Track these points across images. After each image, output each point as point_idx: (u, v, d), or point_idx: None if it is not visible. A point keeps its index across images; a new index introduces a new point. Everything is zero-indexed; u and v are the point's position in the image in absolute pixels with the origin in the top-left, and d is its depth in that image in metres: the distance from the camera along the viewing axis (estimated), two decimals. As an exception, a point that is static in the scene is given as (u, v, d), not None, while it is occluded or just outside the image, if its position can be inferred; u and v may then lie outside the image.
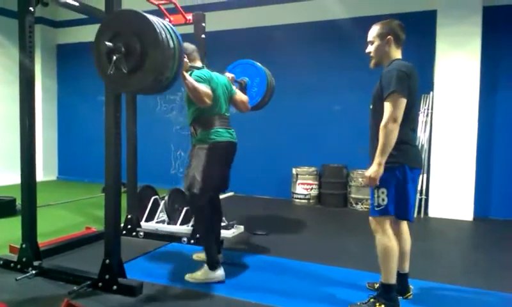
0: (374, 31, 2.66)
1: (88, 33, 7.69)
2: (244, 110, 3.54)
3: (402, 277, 2.83)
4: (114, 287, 2.82)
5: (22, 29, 3.11)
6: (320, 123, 6.57)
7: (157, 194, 4.86)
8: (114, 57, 2.36)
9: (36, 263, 3.13)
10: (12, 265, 3.19)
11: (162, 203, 4.68)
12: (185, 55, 2.89)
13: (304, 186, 6.32)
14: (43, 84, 8.34)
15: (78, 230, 4.32)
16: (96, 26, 2.53)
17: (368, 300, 2.68)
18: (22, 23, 3.11)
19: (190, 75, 2.94)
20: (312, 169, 6.37)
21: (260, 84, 3.93)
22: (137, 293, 2.80)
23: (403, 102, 2.45)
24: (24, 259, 3.15)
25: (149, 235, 4.27)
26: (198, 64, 3.31)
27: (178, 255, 3.82)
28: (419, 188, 5.67)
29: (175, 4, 4.10)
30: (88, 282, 2.85)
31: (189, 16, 4.25)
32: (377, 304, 2.62)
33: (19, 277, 2.98)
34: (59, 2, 3.45)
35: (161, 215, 4.69)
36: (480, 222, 5.37)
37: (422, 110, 5.76)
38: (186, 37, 2.56)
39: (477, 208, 5.48)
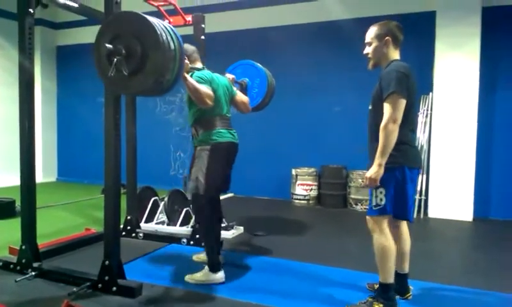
0: (371, 32, 2.67)
1: (87, 35, 7.68)
2: (245, 111, 3.53)
3: (401, 277, 2.83)
4: (114, 288, 2.81)
5: (22, 30, 3.12)
6: (320, 124, 6.58)
7: (156, 195, 4.86)
8: (115, 60, 2.35)
9: (35, 265, 3.13)
10: (12, 266, 3.19)
11: (161, 204, 4.68)
12: (186, 57, 2.89)
13: (303, 187, 6.32)
14: (43, 86, 8.34)
15: (77, 231, 4.32)
16: (96, 28, 2.53)
17: (367, 300, 2.69)
18: (21, 24, 3.11)
19: (191, 76, 2.94)
20: (312, 169, 6.37)
21: (261, 85, 3.93)
22: (136, 295, 2.80)
23: (403, 102, 2.46)
24: (23, 260, 3.15)
25: (149, 236, 4.27)
26: (199, 65, 3.30)
27: (177, 256, 3.82)
28: (419, 188, 5.68)
29: (174, 5, 4.10)
30: (88, 283, 2.85)
31: (189, 18, 4.25)
32: (375, 303, 2.63)
33: (19, 279, 2.98)
34: (58, 4, 3.45)
35: (161, 216, 4.69)
36: (480, 223, 5.38)
37: (421, 110, 5.76)
38: (185, 38, 2.56)
39: (477, 209, 5.48)
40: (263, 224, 5.07)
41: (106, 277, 2.84)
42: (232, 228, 4.54)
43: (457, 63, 5.47)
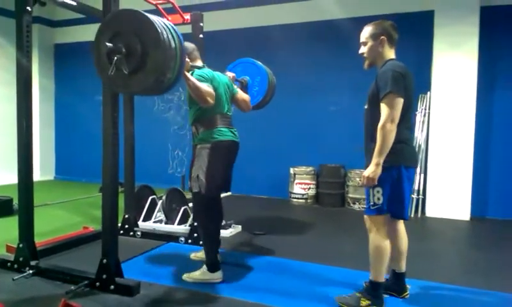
0: (366, 31, 2.67)
1: (85, 33, 7.71)
2: (246, 109, 3.51)
3: (399, 276, 2.84)
4: (112, 287, 2.81)
5: (20, 28, 3.10)
6: (318, 123, 6.58)
7: (154, 194, 4.86)
8: (115, 58, 2.32)
9: (33, 263, 3.12)
10: (9, 264, 3.18)
11: (159, 203, 4.68)
12: (186, 55, 2.87)
13: (301, 186, 6.33)
14: (41, 84, 8.32)
15: (75, 230, 4.31)
16: (94, 26, 2.52)
17: (354, 294, 2.71)
18: (19, 22, 3.10)
19: (191, 74, 2.91)
20: (310, 168, 6.37)
21: (261, 83, 3.91)
22: (134, 293, 2.79)
23: (400, 102, 2.46)
24: (21, 259, 3.14)
25: (146, 234, 4.27)
26: (199, 63, 3.27)
27: (175, 255, 3.82)
28: (416, 188, 5.69)
29: (172, 3, 4.09)
30: (86, 282, 2.85)
31: (187, 16, 4.25)
32: (362, 299, 2.64)
33: (16, 277, 2.98)
34: (56, 2, 3.44)
35: (159, 214, 4.69)
36: (478, 222, 5.39)
37: (419, 110, 5.77)
38: (184, 37, 2.55)
39: (474, 208, 5.50)
40: (261, 223, 5.08)
41: (104, 276, 2.84)
42: (230, 226, 4.55)
43: (456, 62, 5.48)
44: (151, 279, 3.10)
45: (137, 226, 4.39)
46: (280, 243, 4.24)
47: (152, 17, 2.34)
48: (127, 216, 4.35)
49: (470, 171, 5.44)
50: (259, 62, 3.95)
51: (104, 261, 2.85)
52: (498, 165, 5.66)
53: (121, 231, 4.22)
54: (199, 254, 3.60)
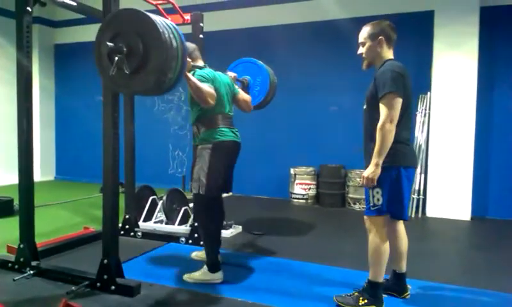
0: (364, 32, 2.66)
1: (85, 33, 7.71)
2: (247, 110, 3.49)
3: (399, 276, 2.84)
4: (112, 287, 2.81)
5: (20, 28, 3.10)
6: (319, 123, 6.58)
7: (155, 194, 4.86)
8: (116, 58, 2.30)
9: (34, 263, 3.13)
10: (10, 265, 3.18)
11: (160, 203, 4.68)
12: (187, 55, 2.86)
13: (302, 186, 6.33)
14: (41, 84, 8.32)
15: (76, 230, 4.31)
16: (94, 26, 2.51)
17: (353, 294, 2.72)
18: (19, 23, 3.10)
19: (193, 74, 2.91)
20: (310, 169, 6.37)
21: (263, 83, 3.89)
22: (135, 293, 2.79)
23: (399, 102, 2.46)
24: (21, 259, 3.14)
25: (147, 235, 4.27)
26: (200, 63, 3.26)
27: (176, 255, 3.82)
28: (417, 188, 5.69)
29: (172, 4, 4.09)
30: (86, 282, 2.85)
31: (187, 16, 4.25)
32: (361, 298, 2.65)
33: (17, 278, 2.98)
34: (56, 2, 3.44)
35: (159, 215, 4.69)
36: (478, 222, 5.39)
37: (419, 110, 5.77)
38: (184, 37, 2.54)
39: (475, 208, 5.50)
40: (261, 223, 5.08)
41: (105, 276, 2.84)
42: (231, 227, 4.55)
43: (456, 63, 5.48)
44: (152, 279, 3.10)
45: (137, 226, 4.39)
46: (280, 243, 4.24)
47: (154, 16, 2.32)
48: (127, 216, 4.35)
49: (471, 171, 5.44)
50: (260, 62, 3.95)
51: (105, 261, 2.85)
52: (499, 166, 5.65)
53: (122, 232, 4.22)
54: (200, 254, 3.60)
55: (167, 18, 4.08)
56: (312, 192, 6.35)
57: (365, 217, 2.69)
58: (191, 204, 3.95)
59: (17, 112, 3.15)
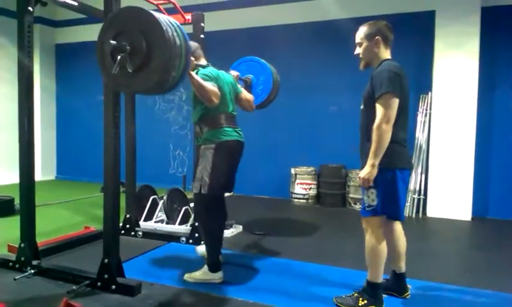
0: (361, 32, 2.66)
1: (86, 33, 7.72)
2: (249, 109, 3.48)
3: (399, 276, 2.84)
4: (113, 287, 2.82)
5: (21, 28, 3.11)
6: (319, 123, 6.58)
7: (155, 194, 4.86)
8: (119, 57, 2.28)
9: (34, 263, 3.13)
10: (11, 264, 3.19)
11: (160, 203, 4.68)
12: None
13: (302, 186, 6.33)
14: (42, 84, 8.33)
15: (77, 230, 4.31)
16: (95, 26, 2.51)
17: (353, 295, 2.72)
18: (21, 22, 3.11)
19: (196, 73, 2.89)
20: (311, 169, 6.37)
21: (266, 82, 3.88)
22: (135, 293, 2.80)
23: (396, 102, 2.45)
24: (22, 258, 3.15)
25: (148, 234, 4.28)
26: (203, 62, 3.25)
27: (176, 255, 3.82)
28: (417, 188, 5.69)
29: (173, 4, 4.10)
30: (87, 281, 2.86)
31: (188, 16, 4.25)
32: (361, 299, 2.65)
33: (18, 277, 2.99)
34: (57, 2, 3.45)
35: (160, 214, 4.69)
36: (479, 222, 5.39)
37: (420, 110, 5.77)
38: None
39: (475, 208, 5.49)
40: (262, 223, 5.08)
41: (105, 276, 2.84)
42: (231, 226, 4.55)
43: (457, 63, 5.48)
44: (152, 279, 3.10)
45: (138, 226, 4.40)
46: (281, 243, 4.24)
47: (157, 14, 2.30)
48: (128, 216, 4.35)
49: (471, 171, 5.43)
50: (263, 61, 3.93)
51: (106, 261, 2.86)
52: (499, 166, 5.65)
53: (123, 231, 4.23)
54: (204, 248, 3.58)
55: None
56: (313, 192, 6.35)
57: (361, 217, 2.69)
58: (192, 204, 3.96)
59: (18, 111, 3.16)
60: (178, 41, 2.30)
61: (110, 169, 2.88)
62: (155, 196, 4.81)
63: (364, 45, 2.64)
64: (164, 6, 4.15)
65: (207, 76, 2.95)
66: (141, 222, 4.51)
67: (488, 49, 5.45)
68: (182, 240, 4.10)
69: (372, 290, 2.65)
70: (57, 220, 4.97)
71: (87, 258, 3.50)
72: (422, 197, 5.70)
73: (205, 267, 3.11)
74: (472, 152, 5.43)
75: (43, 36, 8.33)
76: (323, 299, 2.83)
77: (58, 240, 3.84)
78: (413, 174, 5.71)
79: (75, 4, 3.52)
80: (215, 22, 6.00)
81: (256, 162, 6.61)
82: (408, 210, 5.65)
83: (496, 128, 5.65)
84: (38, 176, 6.77)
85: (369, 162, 2.47)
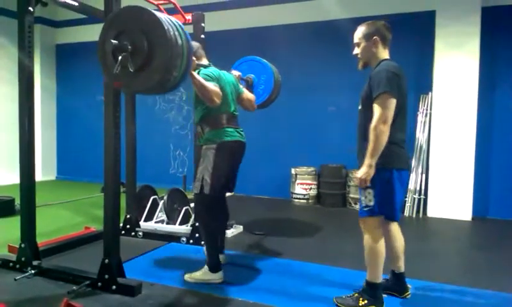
0: (359, 32, 2.66)
1: (87, 33, 7.72)
2: (250, 109, 3.47)
3: (398, 276, 2.84)
4: (114, 287, 2.82)
5: (22, 28, 3.11)
6: (319, 123, 6.58)
7: (156, 194, 4.86)
8: (120, 56, 2.28)
9: (35, 263, 3.13)
10: (11, 264, 3.19)
11: (161, 203, 4.68)
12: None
13: (303, 186, 6.33)
14: (42, 84, 8.33)
15: (77, 230, 4.32)
16: (95, 26, 2.52)
17: (353, 295, 2.72)
18: (21, 23, 3.11)
19: (198, 73, 2.88)
20: (311, 169, 6.37)
21: (267, 82, 3.88)
22: (136, 293, 2.80)
23: (393, 102, 2.45)
24: (23, 259, 3.15)
25: (148, 234, 4.28)
26: (204, 61, 3.24)
27: (177, 255, 3.82)
28: (418, 188, 5.69)
29: (174, 4, 4.10)
30: (87, 282, 2.86)
31: (189, 17, 4.25)
32: (361, 299, 2.65)
33: (18, 277, 2.99)
34: (58, 2, 3.45)
35: (160, 215, 4.69)
36: (479, 222, 5.38)
37: (420, 110, 5.77)
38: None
39: (476, 208, 5.49)
40: (262, 223, 5.08)
41: (106, 276, 2.85)
42: (231, 226, 4.55)
43: (457, 63, 5.48)
44: (153, 279, 3.10)
45: (138, 226, 4.40)
46: (281, 243, 4.24)
47: (159, 14, 2.30)
48: (128, 216, 4.36)
49: (472, 171, 5.43)
50: (265, 60, 3.93)
51: (106, 261, 2.86)
52: (500, 166, 5.65)
53: (123, 231, 4.23)
54: None
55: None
56: (313, 192, 6.35)
57: (359, 218, 2.69)
58: (192, 204, 3.96)
59: (19, 111, 3.16)
60: (179, 41, 2.30)
61: (110, 169, 2.89)
62: (156, 196, 4.81)
63: (362, 45, 2.64)
64: (165, 6, 4.15)
65: (208, 76, 2.94)
66: (142, 223, 4.51)
67: (488, 49, 5.45)
68: (183, 241, 4.10)
69: (371, 290, 2.65)
70: (57, 221, 4.97)
71: (87, 258, 3.50)
72: (422, 197, 5.70)
73: (205, 267, 3.11)
74: (472, 152, 5.43)
75: (43, 36, 8.33)
76: (323, 299, 2.83)
77: (58, 241, 3.84)
78: (413, 174, 5.71)
79: (76, 4, 3.52)
80: (215, 22, 6.00)
81: (256, 162, 6.60)
82: (408, 210, 5.66)
83: (497, 128, 5.65)
84: (39, 176, 6.79)
85: (366, 162, 2.47)
